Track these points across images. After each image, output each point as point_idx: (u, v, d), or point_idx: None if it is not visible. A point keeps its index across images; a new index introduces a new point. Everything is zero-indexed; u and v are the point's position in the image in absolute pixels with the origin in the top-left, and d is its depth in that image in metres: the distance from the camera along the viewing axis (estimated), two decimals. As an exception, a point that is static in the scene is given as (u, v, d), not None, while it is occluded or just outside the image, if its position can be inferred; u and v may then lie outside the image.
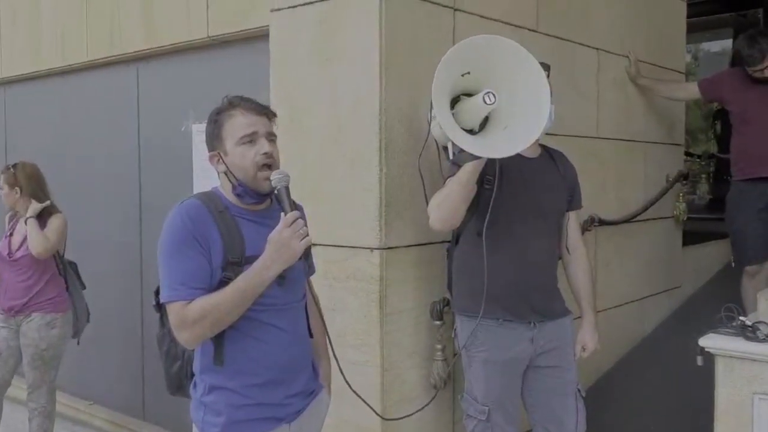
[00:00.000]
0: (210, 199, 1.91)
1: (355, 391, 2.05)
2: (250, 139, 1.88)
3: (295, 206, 1.89)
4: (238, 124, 1.89)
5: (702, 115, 8.01)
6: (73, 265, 3.95)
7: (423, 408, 2.53)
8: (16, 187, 3.74)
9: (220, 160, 1.92)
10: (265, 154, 1.88)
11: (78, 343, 3.93)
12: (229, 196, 1.93)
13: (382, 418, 2.28)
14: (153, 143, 4.17)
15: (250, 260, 1.84)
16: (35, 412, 3.74)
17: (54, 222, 3.73)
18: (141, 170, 4.24)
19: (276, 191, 1.88)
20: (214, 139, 1.94)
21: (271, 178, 1.87)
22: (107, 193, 4.50)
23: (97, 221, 4.58)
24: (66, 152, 4.78)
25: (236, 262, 1.84)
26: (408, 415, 2.44)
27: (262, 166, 1.88)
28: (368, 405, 2.16)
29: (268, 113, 1.95)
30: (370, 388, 2.69)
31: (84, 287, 3.97)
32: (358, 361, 2.74)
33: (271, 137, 1.93)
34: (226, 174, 1.92)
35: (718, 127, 6.74)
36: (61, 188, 4.78)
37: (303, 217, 1.88)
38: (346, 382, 2.03)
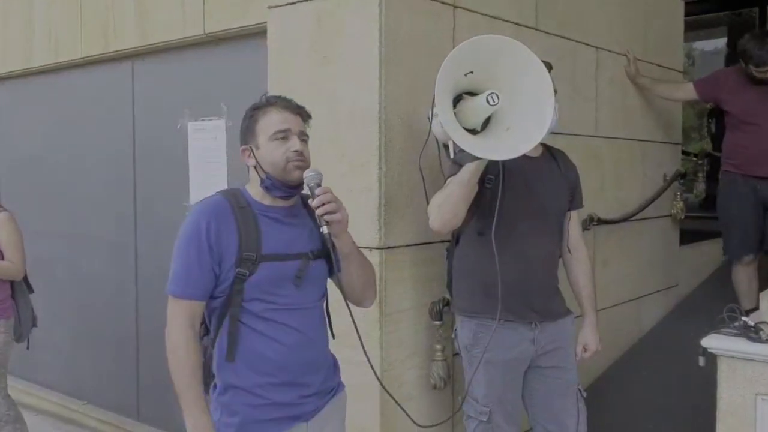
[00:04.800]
0: (233, 195, 1.95)
1: (398, 403, 2.12)
2: (283, 135, 1.91)
3: None
4: (273, 120, 1.92)
5: (695, 113, 7.99)
6: None
7: (449, 419, 2.50)
8: None
9: (251, 155, 1.95)
10: (296, 151, 1.90)
11: (27, 348, 3.74)
12: (255, 192, 1.95)
13: (419, 425, 2.25)
14: (148, 141, 4.12)
15: (266, 258, 1.87)
16: (1, 422, 3.65)
17: (5, 234, 3.50)
18: (136, 168, 4.20)
19: (308, 188, 1.89)
20: (247, 134, 1.97)
21: (305, 176, 1.90)
22: (102, 191, 4.45)
23: (92, 220, 4.54)
24: (60, 150, 4.73)
25: (250, 259, 1.86)
26: (442, 422, 2.43)
27: (294, 161, 1.91)
28: (408, 415, 2.14)
29: (302, 113, 1.98)
30: (369, 388, 2.67)
31: (32, 291, 3.73)
32: (358, 362, 2.71)
33: (303, 137, 1.96)
34: (255, 168, 1.95)
35: (713, 125, 6.73)
36: (55, 187, 4.76)
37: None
38: (386, 391, 2.11)
